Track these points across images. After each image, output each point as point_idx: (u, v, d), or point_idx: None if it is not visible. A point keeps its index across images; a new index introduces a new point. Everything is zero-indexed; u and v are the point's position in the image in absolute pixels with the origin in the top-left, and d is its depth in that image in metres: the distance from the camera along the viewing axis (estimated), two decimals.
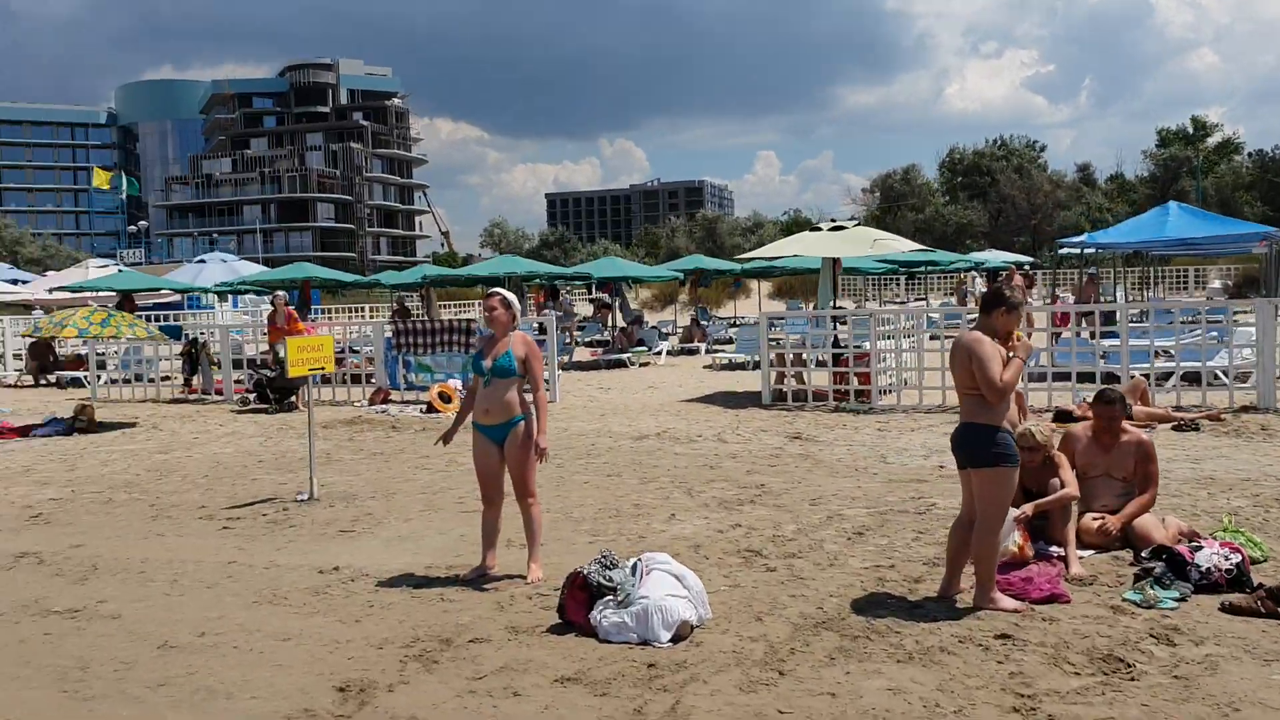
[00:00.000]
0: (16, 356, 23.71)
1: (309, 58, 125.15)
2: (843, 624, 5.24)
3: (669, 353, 24.27)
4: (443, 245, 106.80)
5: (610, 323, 29.35)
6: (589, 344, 27.04)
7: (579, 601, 5.28)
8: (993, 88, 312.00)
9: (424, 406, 15.11)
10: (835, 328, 14.79)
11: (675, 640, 5.01)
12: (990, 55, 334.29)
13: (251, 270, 29.07)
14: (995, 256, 37.54)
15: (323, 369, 9.28)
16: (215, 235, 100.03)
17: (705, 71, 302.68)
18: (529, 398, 6.19)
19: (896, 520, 7.48)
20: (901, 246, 15.65)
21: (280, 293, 17.46)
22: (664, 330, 27.38)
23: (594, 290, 40.96)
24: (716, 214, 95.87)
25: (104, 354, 19.34)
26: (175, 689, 4.70)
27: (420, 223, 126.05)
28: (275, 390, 15.86)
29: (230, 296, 33.65)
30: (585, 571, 5.33)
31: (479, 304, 48.91)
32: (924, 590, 5.77)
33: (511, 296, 6.31)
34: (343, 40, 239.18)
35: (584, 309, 40.75)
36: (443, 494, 9.00)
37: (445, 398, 15.05)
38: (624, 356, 22.18)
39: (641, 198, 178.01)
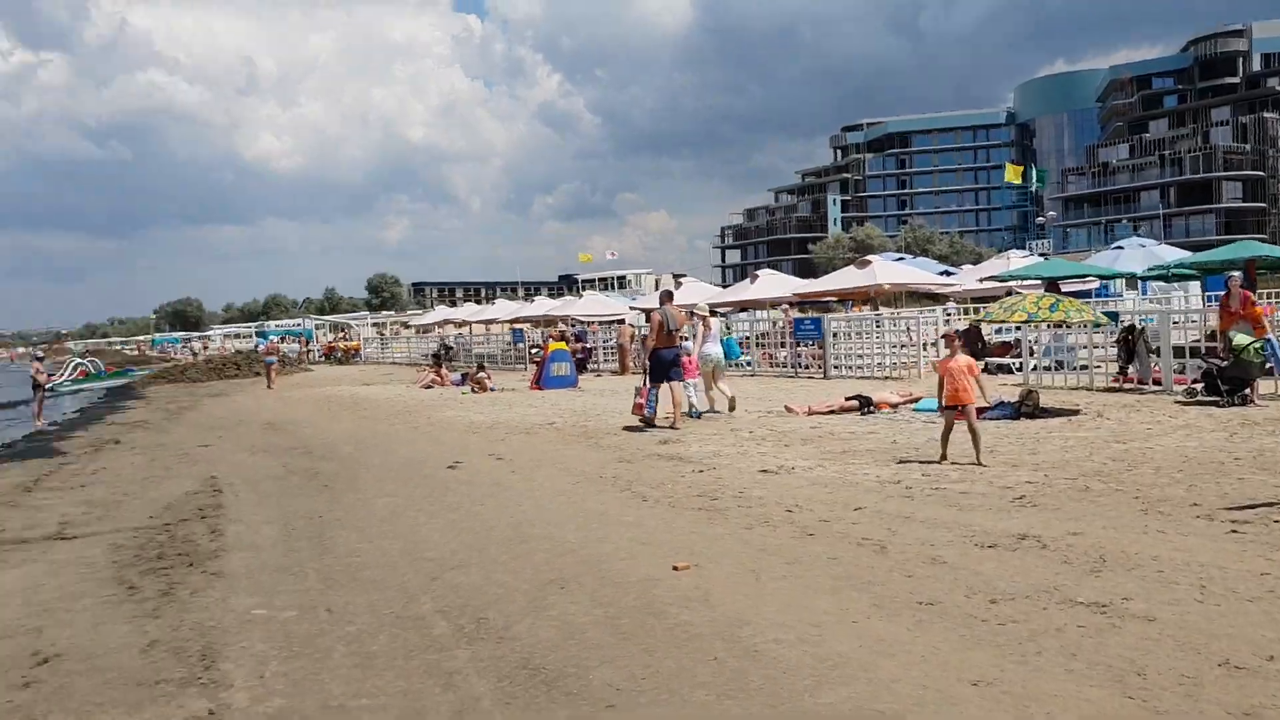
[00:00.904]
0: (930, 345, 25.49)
1: (1214, 28, 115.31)
2: None
3: None
4: None
5: None
6: None
7: None
8: None
9: None
10: None
11: None
12: None
13: (1173, 255, 27.14)
14: None
15: None
16: (1119, 222, 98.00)
17: None
18: None
19: None
20: None
21: (1235, 273, 15.78)
22: None
23: None
24: None
25: (1033, 340, 19.62)
26: None
27: None
28: (1226, 381, 14.34)
29: (1139, 283, 32.19)
30: None
31: None
32: None
33: None
34: (1254, 2, 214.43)
35: None
36: None
37: None
38: None
39: None
